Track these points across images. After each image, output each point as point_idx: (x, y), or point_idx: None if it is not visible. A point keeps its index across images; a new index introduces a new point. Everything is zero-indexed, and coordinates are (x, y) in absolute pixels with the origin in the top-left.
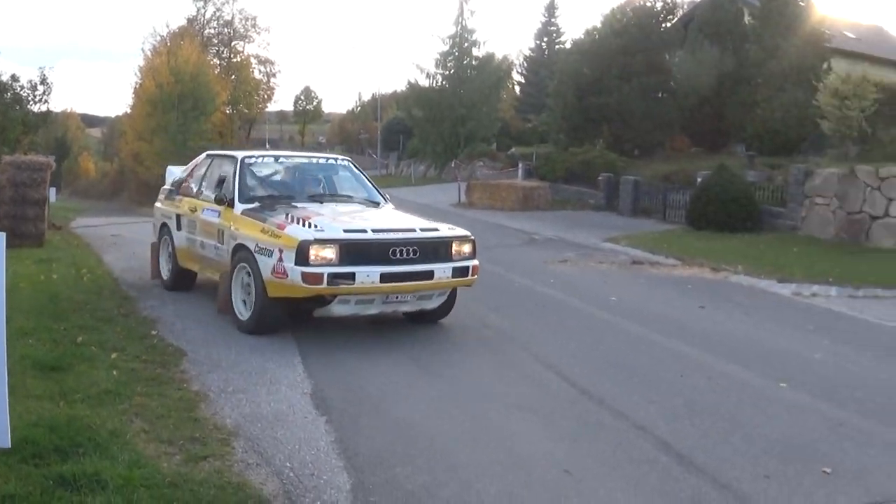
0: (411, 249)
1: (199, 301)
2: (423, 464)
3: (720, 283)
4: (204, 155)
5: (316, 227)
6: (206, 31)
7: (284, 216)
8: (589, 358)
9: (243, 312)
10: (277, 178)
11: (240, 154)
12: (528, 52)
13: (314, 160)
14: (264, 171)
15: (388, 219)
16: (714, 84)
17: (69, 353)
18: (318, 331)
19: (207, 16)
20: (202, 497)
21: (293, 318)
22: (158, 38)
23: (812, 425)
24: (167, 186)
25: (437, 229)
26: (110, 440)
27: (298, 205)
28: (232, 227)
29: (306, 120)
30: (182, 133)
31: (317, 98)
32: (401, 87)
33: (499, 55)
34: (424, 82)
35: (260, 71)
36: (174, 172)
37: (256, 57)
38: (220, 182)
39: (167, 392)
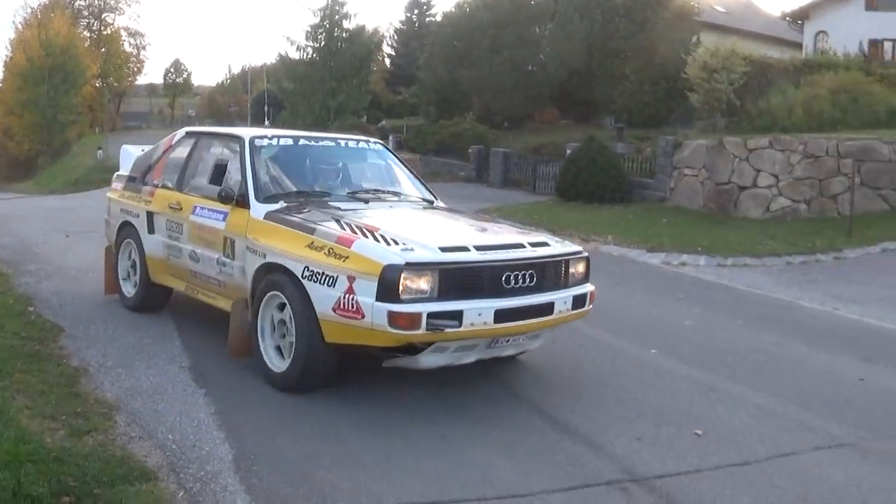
0: (528, 274)
1: (75, 277)
2: (305, 432)
3: (590, 253)
4: (183, 132)
5: (398, 243)
6: (77, 4)
7: (337, 224)
8: None
9: (275, 362)
10: (300, 167)
11: (246, 133)
12: (398, 25)
13: (341, 143)
14: (281, 158)
15: (478, 229)
16: (583, 57)
17: None
18: (195, 306)
19: None
20: (88, 471)
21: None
22: (29, 10)
23: (684, 390)
24: (124, 172)
25: (546, 243)
26: None
27: (342, 206)
28: (250, 238)
29: (176, 93)
30: (52, 107)
31: (186, 71)
32: (271, 59)
33: (370, 27)
34: (295, 55)
35: (130, 44)
36: (132, 153)
37: (126, 29)
38: (218, 171)
39: (47, 368)
